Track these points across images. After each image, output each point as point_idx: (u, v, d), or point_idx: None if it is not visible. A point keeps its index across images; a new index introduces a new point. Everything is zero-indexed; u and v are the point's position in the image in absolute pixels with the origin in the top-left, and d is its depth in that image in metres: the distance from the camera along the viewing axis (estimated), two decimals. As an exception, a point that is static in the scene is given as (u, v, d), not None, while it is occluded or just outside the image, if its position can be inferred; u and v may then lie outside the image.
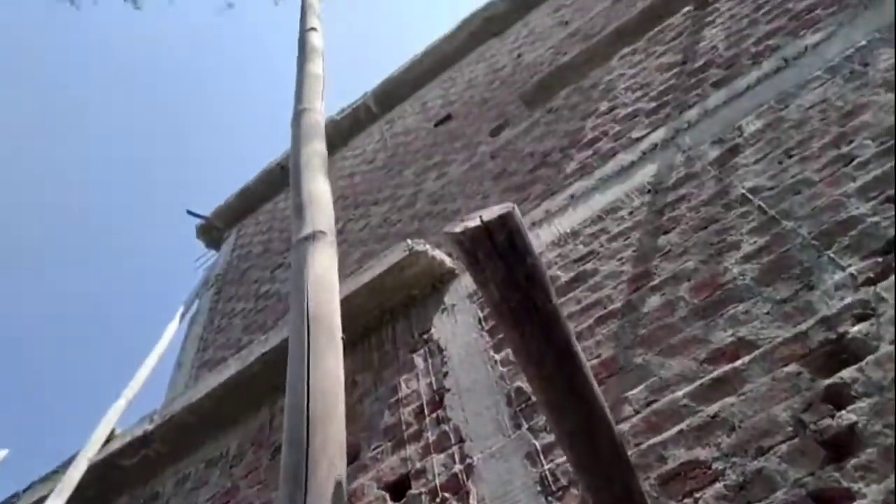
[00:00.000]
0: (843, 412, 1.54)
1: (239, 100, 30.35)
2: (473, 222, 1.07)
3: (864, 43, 2.55)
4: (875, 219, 1.89)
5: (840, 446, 1.50)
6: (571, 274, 2.59)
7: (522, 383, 2.25)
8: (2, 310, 22.57)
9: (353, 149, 6.37)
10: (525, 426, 2.12)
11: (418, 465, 2.33)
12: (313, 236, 2.16)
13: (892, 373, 1.53)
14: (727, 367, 1.81)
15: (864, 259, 1.81)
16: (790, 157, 2.33)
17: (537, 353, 1.18)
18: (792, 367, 1.70)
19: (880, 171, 2.01)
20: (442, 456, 2.28)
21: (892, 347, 1.57)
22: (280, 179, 6.53)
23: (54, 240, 25.60)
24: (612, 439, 1.28)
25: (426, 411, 2.52)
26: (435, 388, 2.59)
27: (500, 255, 1.08)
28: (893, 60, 2.37)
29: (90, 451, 3.56)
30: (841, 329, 1.70)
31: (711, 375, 1.83)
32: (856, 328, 1.68)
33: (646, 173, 2.81)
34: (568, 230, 2.85)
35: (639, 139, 3.10)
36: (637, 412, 1.89)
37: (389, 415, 2.66)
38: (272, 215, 6.46)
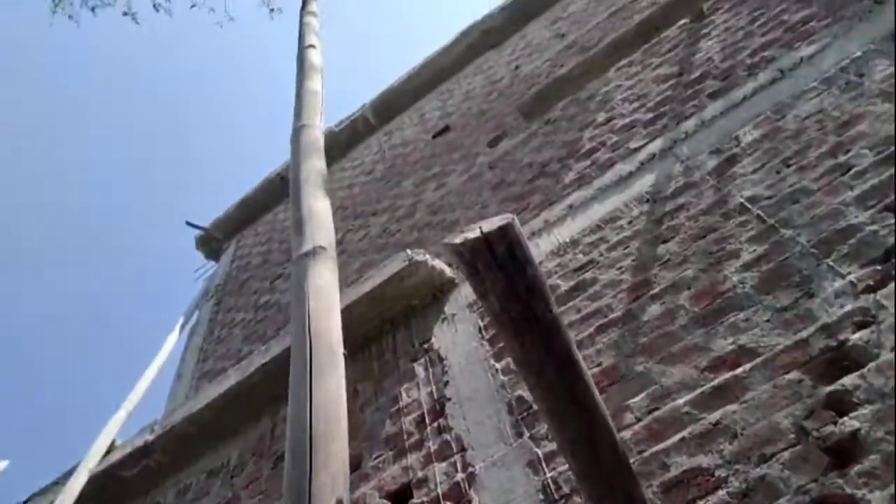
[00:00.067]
0: (846, 419, 1.54)
1: (239, 109, 30.45)
2: (473, 233, 1.08)
3: (859, 54, 2.58)
4: (874, 227, 1.90)
5: (843, 453, 1.50)
6: (571, 283, 2.60)
7: (523, 392, 2.25)
8: (3, 324, 22.53)
9: (352, 160, 6.39)
10: (527, 434, 2.12)
11: (420, 473, 2.33)
12: (314, 252, 2.17)
13: (893, 380, 1.54)
14: (728, 375, 1.82)
15: (864, 267, 1.82)
16: (788, 166, 2.35)
17: (538, 362, 1.19)
18: (793, 375, 1.71)
19: (878, 180, 2.03)
20: (444, 465, 2.28)
21: (893, 354, 1.58)
22: (280, 190, 6.55)
23: (55, 251, 25.59)
24: (615, 447, 1.28)
25: (427, 420, 2.52)
26: (436, 397, 2.59)
27: (500, 267, 1.09)
28: (889, 71, 2.39)
29: (91, 462, 3.55)
30: (842, 336, 1.71)
31: (712, 383, 1.83)
32: (856, 335, 1.69)
33: (644, 183, 2.83)
34: (567, 239, 2.86)
35: (637, 149, 3.12)
36: (639, 420, 1.90)
37: (391, 424, 2.66)
38: (272, 226, 6.47)
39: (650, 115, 3.32)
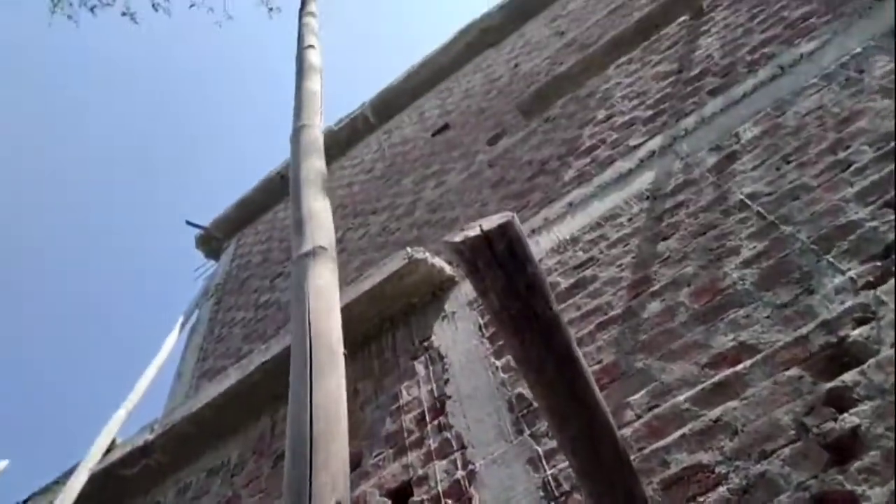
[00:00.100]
0: (846, 415, 1.54)
1: (239, 108, 30.43)
2: (473, 231, 1.08)
3: (859, 50, 2.58)
4: (874, 223, 1.90)
5: (843, 449, 1.50)
6: (571, 280, 2.60)
7: (523, 389, 2.25)
8: (3, 323, 22.54)
9: (352, 158, 6.39)
10: (527, 432, 2.12)
11: (420, 471, 2.33)
12: (314, 252, 2.16)
13: (893, 376, 1.54)
14: (728, 372, 1.82)
15: (864, 263, 1.82)
16: (788, 163, 2.35)
17: (538, 359, 1.19)
18: (793, 371, 1.71)
19: (878, 177, 2.03)
20: (444, 462, 2.28)
21: (893, 351, 1.58)
22: (279, 189, 6.54)
23: (55, 251, 25.58)
24: (615, 444, 1.28)
25: (427, 418, 2.52)
26: (436, 394, 2.59)
27: (500, 265, 1.09)
28: (889, 67, 2.39)
29: (91, 462, 3.55)
30: (842, 333, 1.71)
31: (713, 380, 1.83)
32: (856, 332, 1.68)
33: (644, 180, 2.83)
34: (567, 237, 2.86)
35: (636, 147, 3.12)
36: (639, 417, 1.90)
37: (391, 422, 2.66)
38: (271, 225, 6.47)
39: (650, 113, 3.32)
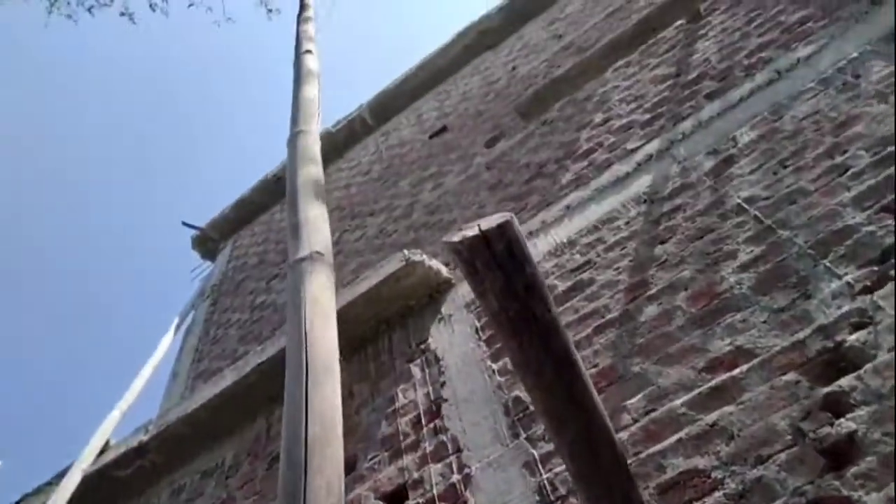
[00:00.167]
0: (843, 420, 1.54)
1: (236, 110, 30.40)
2: (472, 232, 1.07)
3: (855, 55, 2.59)
4: (870, 228, 1.90)
5: (839, 454, 1.50)
6: (568, 283, 2.60)
7: (520, 392, 2.24)
8: (-5, 322, 22.43)
9: (349, 160, 6.38)
10: (523, 435, 2.12)
11: (416, 475, 2.32)
12: (310, 257, 2.16)
13: (890, 381, 1.54)
14: (725, 376, 1.82)
15: (861, 268, 1.82)
16: (785, 167, 2.35)
17: (536, 362, 1.19)
18: (790, 376, 1.71)
19: (875, 181, 2.03)
20: (439, 466, 2.27)
21: (890, 356, 1.58)
22: (276, 190, 6.53)
23: (51, 252, 25.49)
24: (613, 448, 1.28)
25: (423, 421, 2.51)
26: (432, 398, 2.58)
27: (498, 265, 1.08)
28: (885, 72, 2.40)
29: (85, 462, 3.53)
30: (839, 337, 1.71)
31: (710, 384, 1.83)
32: (853, 336, 1.68)
33: (641, 184, 2.83)
34: (564, 240, 2.86)
35: (634, 150, 3.12)
36: (635, 421, 1.89)
37: (387, 425, 2.65)
38: (268, 226, 6.46)
39: (647, 116, 3.32)
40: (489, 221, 1.08)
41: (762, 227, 2.17)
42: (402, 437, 2.53)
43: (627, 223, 2.66)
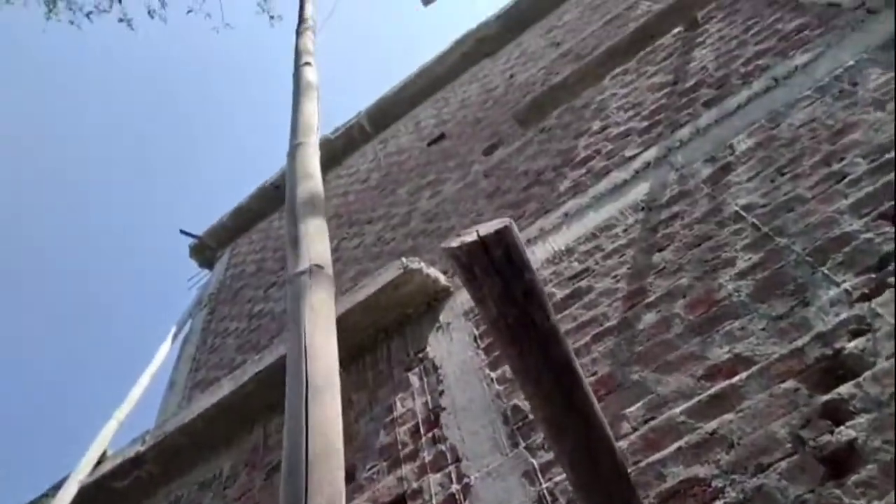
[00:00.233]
0: (842, 428, 1.53)
1: (234, 116, 30.46)
2: (470, 237, 1.07)
3: (852, 63, 2.59)
4: (868, 235, 1.90)
5: (840, 463, 1.49)
6: (566, 291, 2.59)
7: (519, 401, 2.24)
8: (-8, 330, 22.37)
9: (348, 168, 6.39)
10: (522, 444, 2.10)
11: (415, 484, 2.30)
12: (310, 271, 2.15)
13: (890, 388, 1.53)
14: (724, 384, 1.81)
15: (859, 275, 1.82)
16: (782, 174, 2.35)
17: (535, 370, 1.18)
18: (789, 384, 1.70)
19: (872, 189, 2.03)
20: (438, 475, 2.25)
21: (889, 363, 1.58)
22: (274, 198, 6.53)
23: (48, 260, 25.44)
24: (613, 457, 1.27)
25: (422, 430, 2.50)
26: (431, 406, 2.57)
27: (497, 271, 1.08)
28: (882, 80, 2.40)
29: (81, 473, 3.50)
30: (837, 345, 1.70)
31: (709, 392, 1.82)
32: (852, 344, 1.68)
33: (639, 191, 2.83)
34: (562, 247, 2.86)
35: (631, 158, 3.12)
36: (635, 429, 1.89)
37: (385, 434, 2.64)
38: (266, 234, 6.45)
39: (645, 124, 3.33)
40: (488, 227, 1.08)
41: (760, 235, 2.17)
42: (400, 447, 2.51)
43: (625, 231, 2.66)
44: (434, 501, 2.17)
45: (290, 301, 2.10)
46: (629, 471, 1.68)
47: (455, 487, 2.16)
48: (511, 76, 5.32)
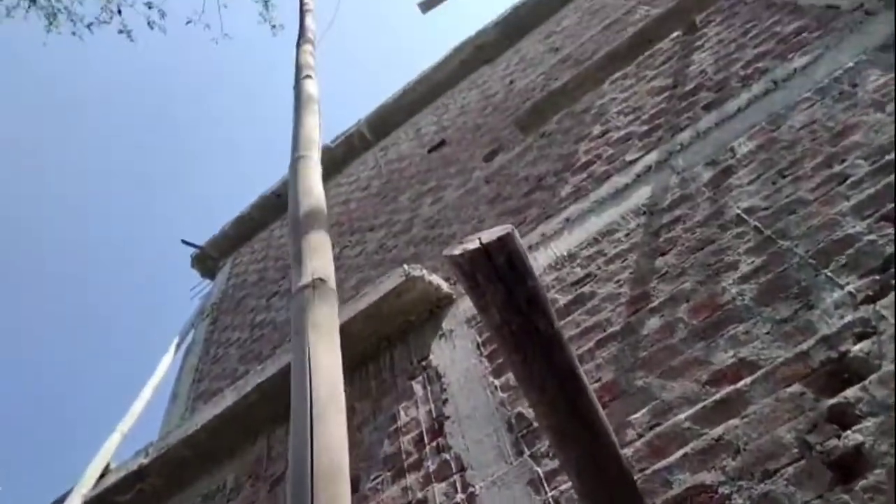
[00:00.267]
0: (849, 432, 1.52)
1: (236, 127, 30.53)
2: (472, 245, 1.06)
3: (851, 64, 2.59)
4: (871, 237, 1.90)
5: (847, 467, 1.48)
6: (569, 297, 2.59)
7: (523, 409, 2.22)
8: (-4, 344, 22.38)
9: (348, 176, 6.39)
10: (527, 453, 2.09)
11: (419, 494, 2.29)
12: (313, 285, 2.15)
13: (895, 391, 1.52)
14: (729, 389, 1.80)
15: (862, 277, 1.81)
16: (783, 177, 2.35)
17: (539, 377, 1.17)
18: (795, 388, 1.69)
19: (874, 190, 2.02)
20: (443, 485, 2.24)
21: (895, 366, 1.56)
22: (275, 206, 6.54)
23: (50, 272, 25.47)
24: (619, 464, 1.26)
25: (426, 439, 2.48)
26: (434, 415, 2.55)
27: (499, 278, 1.07)
28: (881, 81, 2.40)
29: (85, 487, 3.49)
30: (842, 348, 1.69)
31: (714, 397, 1.81)
32: (857, 347, 1.67)
33: (640, 195, 2.82)
34: (564, 253, 2.85)
35: (632, 162, 3.12)
36: (640, 436, 1.87)
37: (389, 444, 2.63)
38: (267, 243, 6.45)
39: (645, 128, 3.33)
40: (490, 234, 1.07)
41: (762, 238, 2.16)
42: (404, 456, 2.50)
43: (627, 235, 2.66)
44: (439, 511, 2.16)
45: (293, 316, 2.09)
46: (635, 478, 1.67)
47: (460, 497, 2.14)
48: (511, 82, 5.33)
